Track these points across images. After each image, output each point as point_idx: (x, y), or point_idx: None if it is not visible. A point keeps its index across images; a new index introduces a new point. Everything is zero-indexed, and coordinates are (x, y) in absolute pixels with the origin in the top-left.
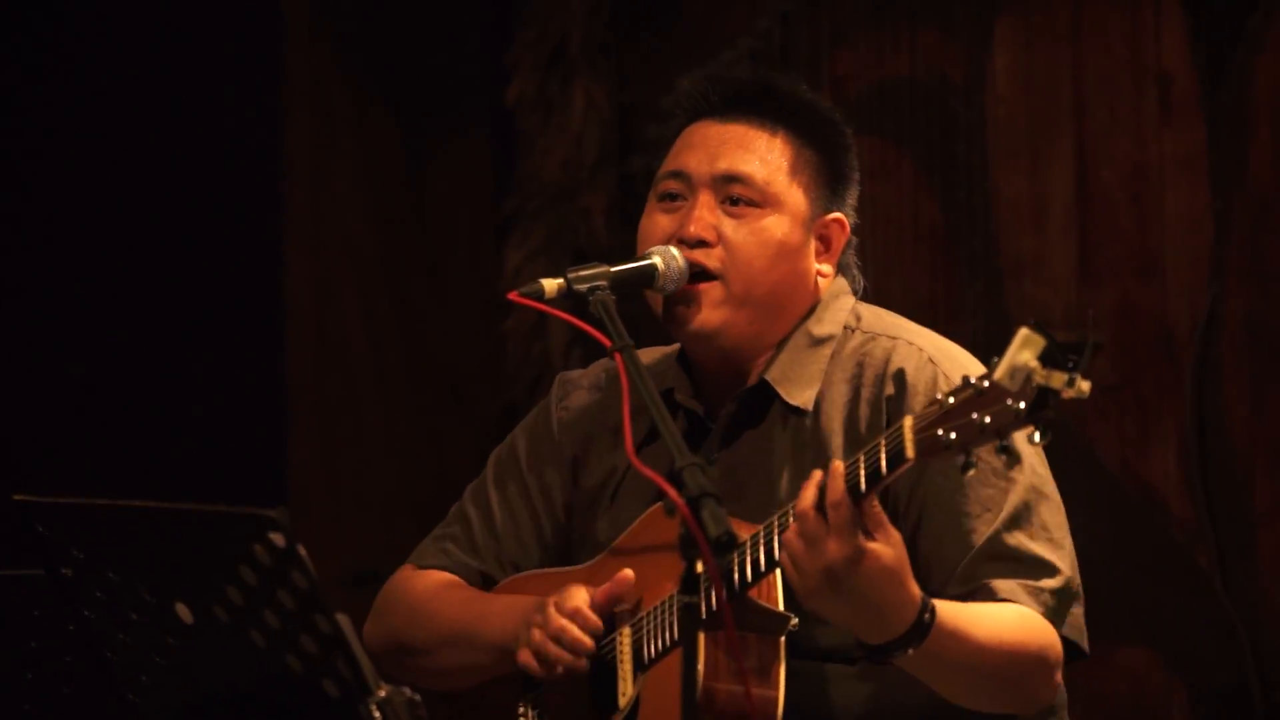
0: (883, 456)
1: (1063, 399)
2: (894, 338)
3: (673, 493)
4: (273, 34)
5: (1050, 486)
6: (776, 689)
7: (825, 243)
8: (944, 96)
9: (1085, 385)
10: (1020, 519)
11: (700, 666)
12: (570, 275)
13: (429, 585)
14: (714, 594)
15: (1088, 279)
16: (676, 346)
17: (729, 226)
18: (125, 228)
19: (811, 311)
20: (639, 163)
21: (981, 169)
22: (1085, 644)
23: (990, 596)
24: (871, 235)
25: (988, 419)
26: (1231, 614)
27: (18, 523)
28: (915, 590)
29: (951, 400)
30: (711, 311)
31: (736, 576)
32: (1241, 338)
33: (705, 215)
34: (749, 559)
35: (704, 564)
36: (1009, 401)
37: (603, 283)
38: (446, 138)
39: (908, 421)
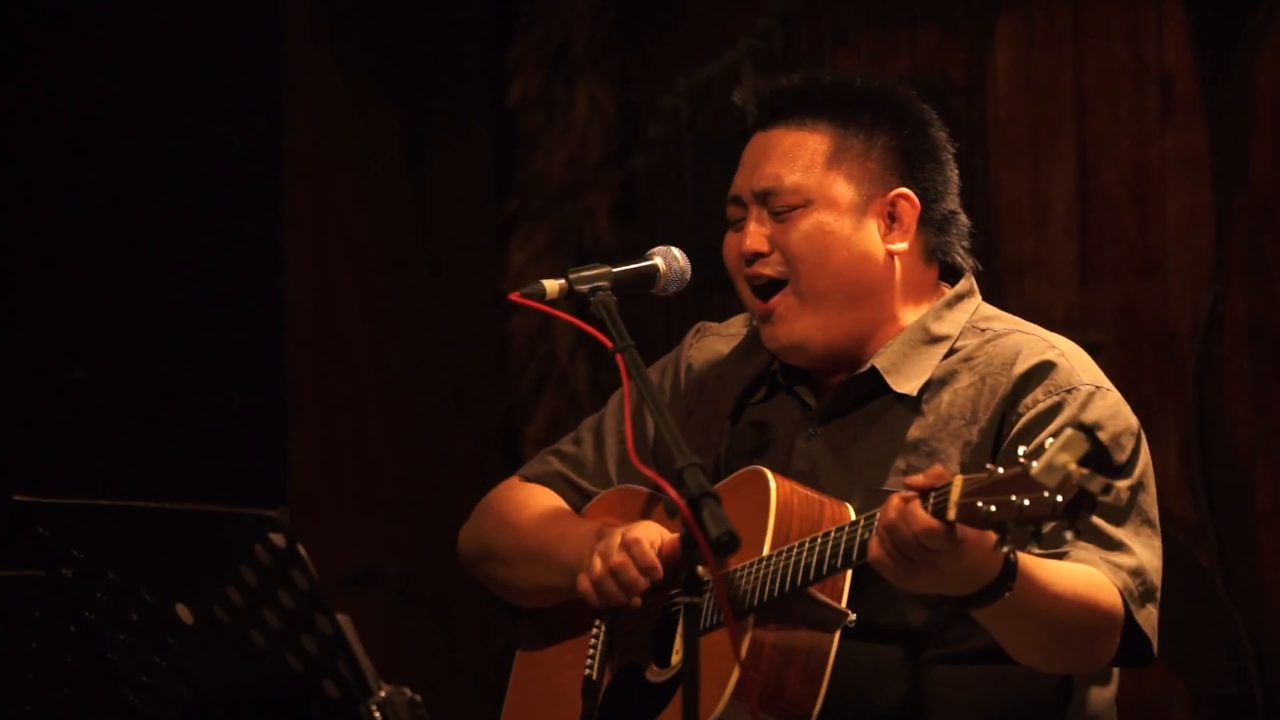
0: (929, 507)
1: (1098, 503)
2: (1028, 334)
3: (673, 493)
4: (273, 34)
5: (1154, 504)
6: (818, 687)
7: (892, 220)
8: (945, 96)
9: (1124, 491)
10: (1116, 509)
11: (743, 653)
12: (572, 276)
13: (524, 496)
14: (719, 598)
15: (1089, 279)
16: None
17: (779, 232)
18: (126, 228)
19: (930, 309)
20: (641, 162)
21: (982, 169)
22: (1155, 644)
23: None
24: None
25: (1026, 503)
26: (1233, 614)
27: (18, 523)
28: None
29: (1001, 472)
30: (793, 325)
31: (794, 574)
32: (1243, 337)
33: (757, 229)
34: (809, 559)
35: (706, 565)
36: (1045, 494)
37: (604, 283)
38: (447, 137)
39: (957, 481)
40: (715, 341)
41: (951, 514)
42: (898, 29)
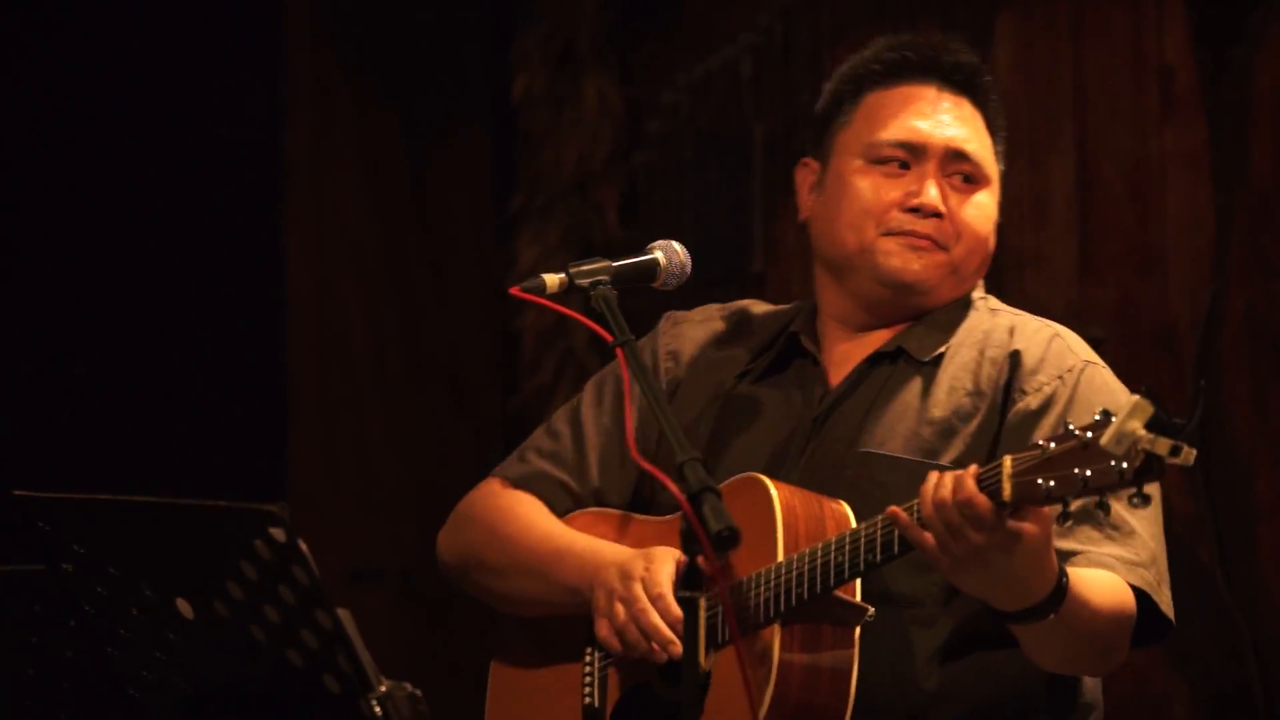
0: (982, 490)
1: (1167, 465)
2: (1017, 314)
3: (675, 489)
4: (274, 31)
5: (1158, 504)
6: (848, 687)
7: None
8: None
9: (1191, 454)
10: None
11: (776, 654)
12: (572, 270)
13: (511, 505)
14: (721, 597)
15: (1088, 275)
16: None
17: (957, 202)
18: (127, 225)
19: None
20: (642, 158)
21: None
22: (1170, 628)
23: (1089, 563)
24: None
25: (1089, 473)
26: (1233, 610)
27: (18, 518)
28: (1054, 560)
29: (1053, 446)
30: (931, 271)
31: (825, 576)
32: (1243, 334)
33: (939, 188)
34: (838, 558)
35: (707, 560)
36: (1112, 463)
37: (604, 277)
38: (448, 134)
39: (1007, 461)
40: (692, 328)
41: (1007, 493)
42: (898, 25)
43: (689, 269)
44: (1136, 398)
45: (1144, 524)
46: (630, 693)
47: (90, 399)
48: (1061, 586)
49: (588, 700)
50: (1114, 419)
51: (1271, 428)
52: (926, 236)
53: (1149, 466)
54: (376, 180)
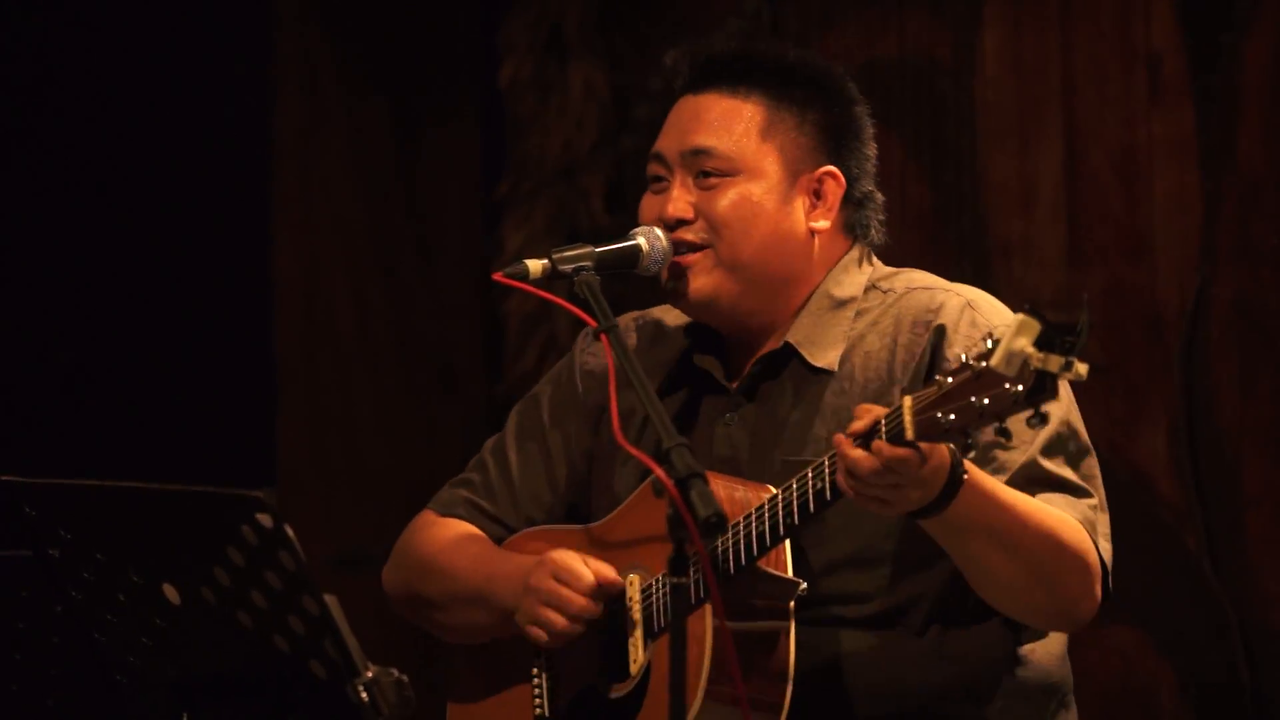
0: (883, 435)
1: (1059, 382)
2: (929, 288)
3: (661, 473)
4: (262, 13)
5: (1082, 426)
6: (786, 656)
7: (817, 197)
8: (932, 78)
9: (1083, 368)
10: (1055, 448)
11: (709, 635)
12: (555, 256)
13: (444, 537)
14: (705, 578)
15: (1076, 261)
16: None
17: (704, 199)
18: (114, 208)
19: (829, 274)
20: (629, 143)
21: (970, 150)
22: (1110, 578)
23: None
24: None
25: (986, 401)
26: (1220, 596)
27: (6, 504)
28: (945, 459)
29: (950, 380)
30: (704, 279)
31: (749, 545)
32: (1230, 320)
33: (682, 195)
34: (759, 528)
35: (695, 545)
36: (1007, 386)
37: (588, 263)
38: (436, 118)
39: (907, 401)
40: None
41: (910, 434)
42: (885, 10)
43: (672, 254)
44: (1022, 315)
45: (1092, 482)
46: (578, 697)
47: (78, 384)
48: (955, 467)
49: (539, 712)
50: (1001, 340)
51: (1259, 414)
52: (683, 244)
53: (1042, 385)
54: (365, 166)
